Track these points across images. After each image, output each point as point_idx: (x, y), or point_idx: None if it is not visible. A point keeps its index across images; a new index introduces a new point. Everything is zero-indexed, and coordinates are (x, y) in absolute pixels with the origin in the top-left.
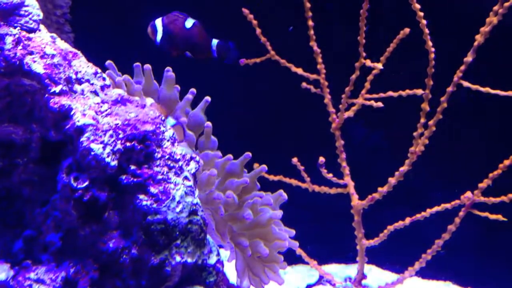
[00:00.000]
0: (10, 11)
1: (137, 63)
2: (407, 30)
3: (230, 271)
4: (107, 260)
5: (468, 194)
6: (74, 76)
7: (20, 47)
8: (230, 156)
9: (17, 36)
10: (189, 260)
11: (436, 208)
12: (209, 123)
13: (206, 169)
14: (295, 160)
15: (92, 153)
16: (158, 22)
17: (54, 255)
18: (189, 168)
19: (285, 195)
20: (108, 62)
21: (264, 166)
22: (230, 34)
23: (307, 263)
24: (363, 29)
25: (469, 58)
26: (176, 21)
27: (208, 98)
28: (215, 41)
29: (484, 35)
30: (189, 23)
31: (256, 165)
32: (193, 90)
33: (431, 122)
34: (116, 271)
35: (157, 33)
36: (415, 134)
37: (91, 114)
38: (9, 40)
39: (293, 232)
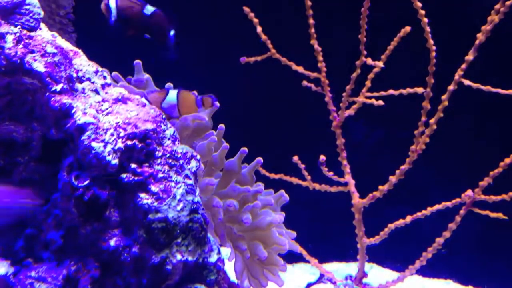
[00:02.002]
0: (11, 9)
1: (138, 61)
2: (408, 28)
3: (231, 269)
4: (108, 258)
5: (469, 192)
6: (75, 75)
7: (21, 46)
8: (226, 145)
9: (18, 34)
10: (190, 258)
11: (437, 206)
12: (222, 126)
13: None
14: (295, 158)
15: (93, 151)
16: (112, 2)
17: (55, 253)
18: (190, 166)
19: (286, 196)
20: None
21: (260, 159)
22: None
23: (308, 262)
24: (364, 28)
25: (470, 57)
26: (133, 7)
27: (217, 103)
28: (173, 32)
29: (486, 34)
30: (148, 10)
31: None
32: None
33: (432, 121)
34: (117, 269)
35: (111, 13)
36: (416, 132)
37: (92, 112)
38: (10, 38)
39: (294, 234)
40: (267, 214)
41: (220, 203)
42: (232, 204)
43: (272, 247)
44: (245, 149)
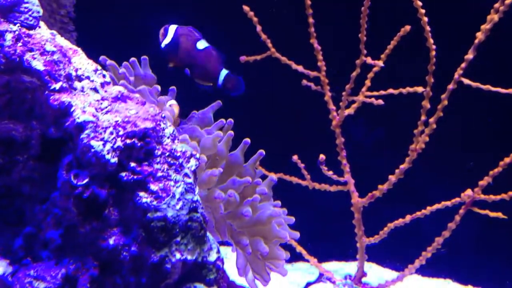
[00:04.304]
0: (10, 7)
1: (144, 56)
2: (407, 27)
3: (231, 268)
4: (107, 257)
5: (468, 191)
6: (74, 73)
7: (20, 44)
8: (230, 132)
9: (17, 33)
10: (189, 257)
11: (436, 206)
12: (231, 120)
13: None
14: (295, 157)
15: (92, 150)
16: (172, 28)
17: (54, 252)
18: (189, 165)
19: (274, 177)
20: (102, 57)
21: (262, 151)
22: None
23: (307, 261)
24: (364, 27)
25: (470, 56)
26: (189, 36)
27: (219, 102)
28: (225, 72)
29: (485, 33)
30: (202, 44)
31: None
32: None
33: (431, 120)
34: (116, 268)
35: (165, 38)
36: (415, 131)
37: (91, 111)
38: (9, 37)
39: (292, 219)
40: (266, 208)
41: (221, 194)
42: (232, 195)
43: (272, 241)
44: (248, 140)
